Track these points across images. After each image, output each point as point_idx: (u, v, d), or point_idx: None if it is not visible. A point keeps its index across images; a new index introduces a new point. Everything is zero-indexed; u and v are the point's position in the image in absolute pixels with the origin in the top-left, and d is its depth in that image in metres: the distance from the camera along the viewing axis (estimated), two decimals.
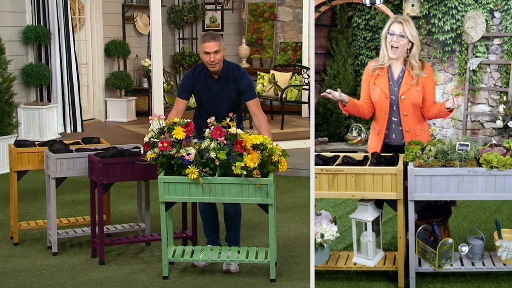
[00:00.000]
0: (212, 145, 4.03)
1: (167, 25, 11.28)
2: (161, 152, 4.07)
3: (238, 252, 4.32)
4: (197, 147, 4.11)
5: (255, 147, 4.03)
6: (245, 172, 4.01)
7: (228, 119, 4.12)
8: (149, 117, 4.22)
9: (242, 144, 4.01)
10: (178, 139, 4.07)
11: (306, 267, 4.41)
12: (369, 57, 7.63)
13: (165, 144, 4.04)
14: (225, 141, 4.04)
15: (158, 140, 4.10)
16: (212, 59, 4.35)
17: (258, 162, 4.00)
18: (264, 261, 4.25)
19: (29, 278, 4.28)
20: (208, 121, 4.13)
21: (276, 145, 4.13)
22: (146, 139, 4.15)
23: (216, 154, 4.01)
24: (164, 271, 4.27)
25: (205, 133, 4.11)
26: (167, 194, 4.14)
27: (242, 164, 3.98)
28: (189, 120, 4.18)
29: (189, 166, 4.04)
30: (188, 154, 4.03)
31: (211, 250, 4.38)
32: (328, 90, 4.30)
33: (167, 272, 4.28)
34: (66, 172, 4.60)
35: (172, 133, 4.08)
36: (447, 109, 4.19)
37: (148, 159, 4.16)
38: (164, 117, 4.21)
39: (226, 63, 4.48)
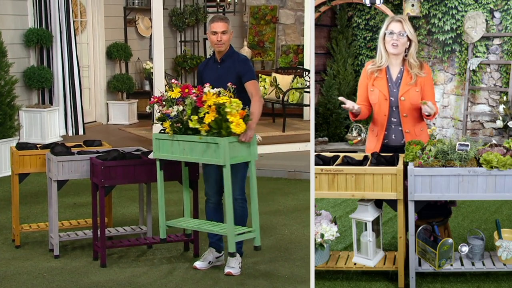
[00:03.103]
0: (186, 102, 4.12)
1: (169, 28, 11.30)
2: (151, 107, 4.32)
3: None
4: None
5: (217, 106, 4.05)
6: (198, 126, 4.05)
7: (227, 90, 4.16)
8: (172, 80, 4.39)
9: (202, 100, 4.06)
10: (172, 97, 4.16)
11: (307, 270, 4.41)
12: (369, 57, 7.62)
13: (155, 100, 4.22)
14: (194, 97, 4.11)
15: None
16: (219, 39, 4.33)
17: (212, 119, 4.02)
18: (249, 229, 4.26)
19: (30, 281, 4.28)
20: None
21: (243, 109, 4.08)
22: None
23: (183, 108, 4.10)
24: (161, 234, 4.38)
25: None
26: (158, 151, 4.29)
27: (196, 118, 4.06)
28: (188, 83, 4.26)
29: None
30: (171, 108, 4.15)
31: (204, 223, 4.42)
32: (350, 105, 4.25)
33: (165, 235, 4.38)
34: (67, 174, 4.60)
35: (169, 93, 4.20)
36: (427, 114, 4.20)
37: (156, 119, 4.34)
38: (179, 82, 4.34)
39: (233, 49, 4.44)
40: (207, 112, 4.03)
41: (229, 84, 4.19)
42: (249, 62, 4.46)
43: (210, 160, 4.09)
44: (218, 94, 4.11)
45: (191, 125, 4.06)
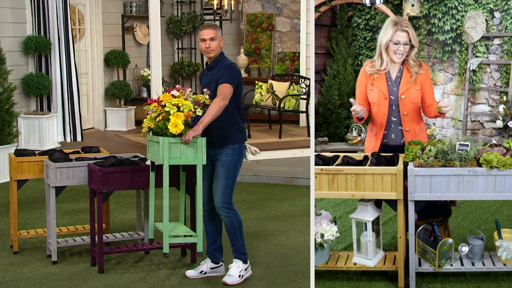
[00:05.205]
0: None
1: (166, 35, 11.35)
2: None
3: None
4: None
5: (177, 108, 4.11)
6: (151, 124, 4.17)
7: (205, 94, 4.21)
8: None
9: (160, 100, 4.11)
10: (161, 101, 4.18)
11: (304, 275, 4.44)
12: (369, 57, 7.62)
13: (150, 101, 4.24)
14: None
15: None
16: (207, 45, 4.30)
17: (160, 119, 4.09)
18: (191, 233, 4.30)
19: (28, 287, 4.30)
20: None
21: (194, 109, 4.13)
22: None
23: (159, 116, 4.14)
24: (150, 234, 4.44)
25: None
26: (149, 153, 4.32)
27: (149, 117, 4.16)
28: (178, 86, 4.30)
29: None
30: (151, 109, 4.19)
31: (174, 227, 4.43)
32: (356, 107, 4.29)
33: (152, 235, 4.44)
34: (65, 181, 4.64)
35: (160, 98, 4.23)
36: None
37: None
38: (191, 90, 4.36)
39: (222, 55, 4.38)
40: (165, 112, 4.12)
41: (205, 90, 4.25)
42: (230, 68, 4.29)
43: (156, 159, 4.14)
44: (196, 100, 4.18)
45: (146, 123, 4.19)
